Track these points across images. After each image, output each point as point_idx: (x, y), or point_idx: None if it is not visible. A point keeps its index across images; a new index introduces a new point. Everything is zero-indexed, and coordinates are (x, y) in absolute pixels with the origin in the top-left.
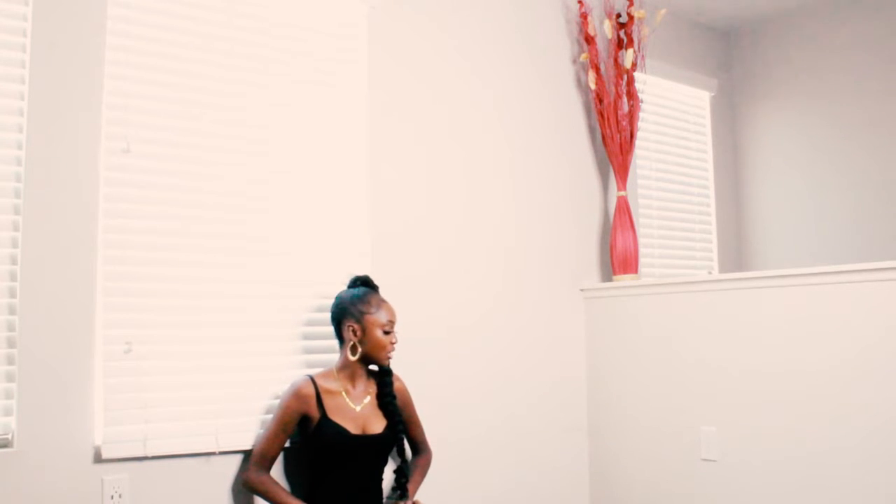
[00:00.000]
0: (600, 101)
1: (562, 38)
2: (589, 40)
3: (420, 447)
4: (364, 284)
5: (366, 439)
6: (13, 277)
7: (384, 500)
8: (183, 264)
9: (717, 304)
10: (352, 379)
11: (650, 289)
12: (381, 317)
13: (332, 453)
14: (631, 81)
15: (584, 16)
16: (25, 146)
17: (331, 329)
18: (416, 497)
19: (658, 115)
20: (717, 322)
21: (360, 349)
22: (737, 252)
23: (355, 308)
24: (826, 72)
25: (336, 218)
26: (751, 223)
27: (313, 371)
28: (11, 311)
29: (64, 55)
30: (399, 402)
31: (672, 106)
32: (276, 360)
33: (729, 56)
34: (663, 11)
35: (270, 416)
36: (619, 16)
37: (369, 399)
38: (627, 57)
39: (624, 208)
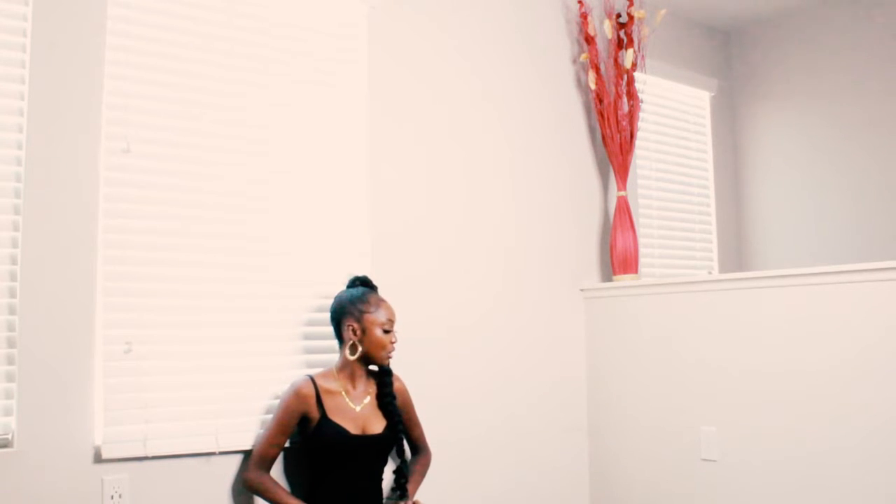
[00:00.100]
0: (600, 101)
1: (562, 38)
2: (589, 40)
3: (420, 447)
4: (363, 284)
5: (365, 439)
6: (13, 277)
7: (384, 501)
8: (183, 264)
9: (717, 304)
10: (352, 379)
11: (650, 289)
12: (380, 316)
13: (332, 453)
14: (631, 81)
15: (584, 16)
16: (25, 146)
17: (331, 329)
18: (416, 497)
19: (658, 115)
20: (717, 322)
21: (359, 349)
22: (737, 252)
23: (355, 307)
24: (826, 72)
25: (336, 218)
26: (751, 223)
27: (313, 371)
28: (11, 311)
29: (64, 55)
30: (399, 402)
31: (672, 106)
32: (276, 360)
33: (729, 56)
34: (663, 11)
35: (270, 417)
36: (619, 16)
37: (369, 399)
38: (627, 57)
39: (624, 208)
